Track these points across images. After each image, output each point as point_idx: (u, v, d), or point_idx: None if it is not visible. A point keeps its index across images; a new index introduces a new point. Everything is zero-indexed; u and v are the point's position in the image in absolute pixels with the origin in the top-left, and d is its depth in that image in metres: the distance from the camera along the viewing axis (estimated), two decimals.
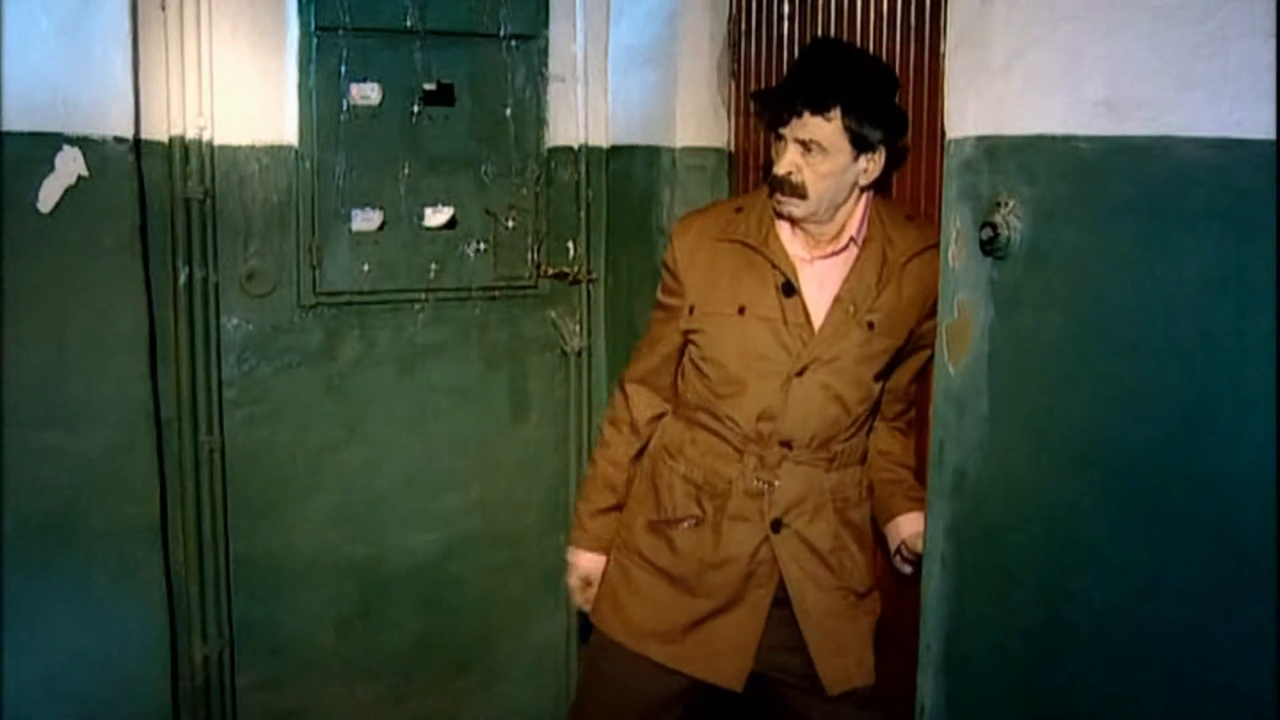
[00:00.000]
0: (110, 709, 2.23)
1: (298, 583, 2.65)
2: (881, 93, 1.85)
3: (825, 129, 1.78)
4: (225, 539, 2.54)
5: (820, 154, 1.79)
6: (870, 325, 1.86)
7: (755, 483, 1.91)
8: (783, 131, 1.81)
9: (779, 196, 1.84)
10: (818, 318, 1.88)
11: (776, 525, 1.91)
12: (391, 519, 2.72)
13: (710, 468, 1.95)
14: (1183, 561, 1.16)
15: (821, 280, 1.89)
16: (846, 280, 1.88)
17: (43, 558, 2.14)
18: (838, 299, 1.87)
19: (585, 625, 2.23)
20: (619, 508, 2.10)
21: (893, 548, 1.98)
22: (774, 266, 1.88)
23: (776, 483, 1.90)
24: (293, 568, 2.64)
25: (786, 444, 1.90)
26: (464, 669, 2.85)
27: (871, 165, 1.84)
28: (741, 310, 1.90)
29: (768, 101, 1.84)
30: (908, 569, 1.97)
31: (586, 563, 2.12)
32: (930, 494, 1.54)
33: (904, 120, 1.89)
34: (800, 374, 1.87)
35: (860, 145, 1.81)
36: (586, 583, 2.13)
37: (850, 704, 1.93)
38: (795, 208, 1.84)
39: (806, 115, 1.77)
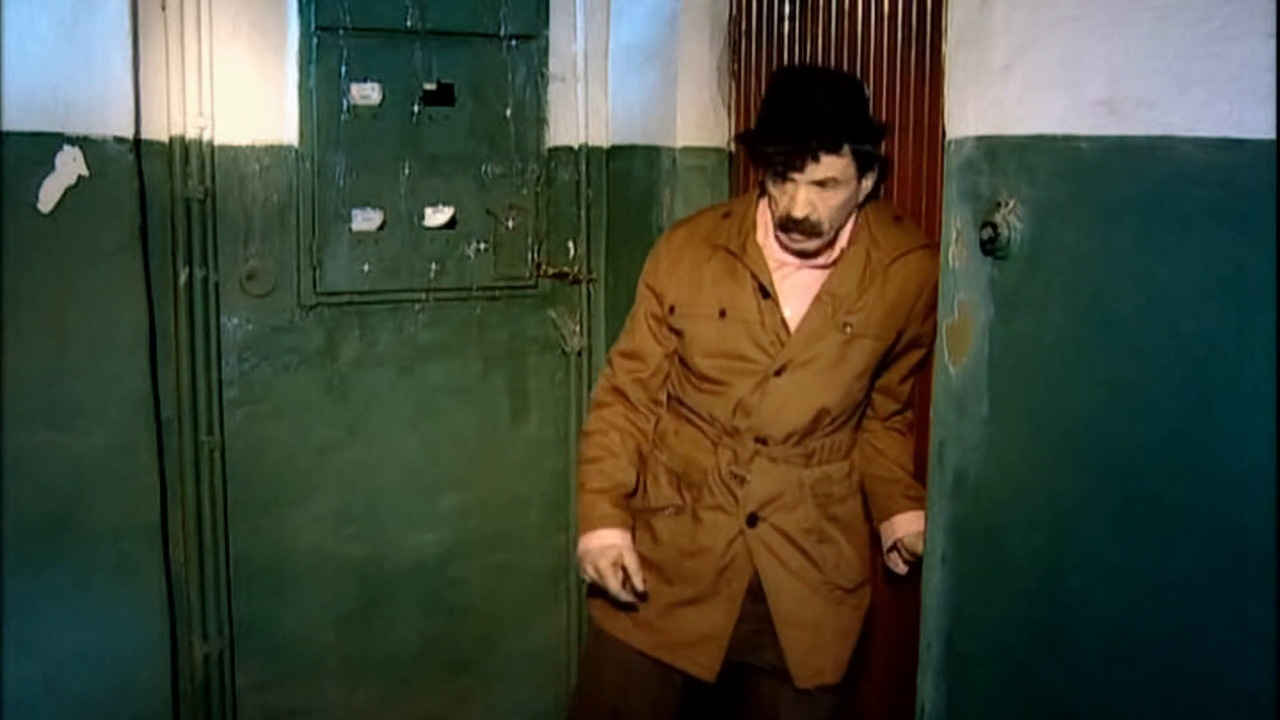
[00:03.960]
0: (110, 708, 2.23)
1: (298, 583, 2.65)
2: (866, 109, 1.87)
3: (839, 164, 1.77)
4: (225, 539, 2.54)
5: (834, 188, 1.79)
6: (846, 327, 1.87)
7: (729, 475, 1.94)
8: (795, 176, 1.78)
9: (793, 235, 1.83)
10: (797, 320, 1.90)
11: (752, 520, 1.93)
12: (391, 519, 2.72)
13: (689, 458, 1.99)
14: (1183, 561, 1.16)
15: (808, 282, 1.91)
16: (827, 282, 1.89)
17: (43, 558, 2.14)
18: (817, 299, 1.89)
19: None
20: (624, 488, 2.04)
21: (886, 546, 1.99)
22: (751, 274, 1.91)
23: (749, 477, 1.93)
24: (293, 567, 2.64)
25: (761, 440, 1.92)
26: (464, 669, 2.85)
27: (869, 181, 1.86)
28: (723, 314, 1.93)
29: (779, 150, 1.76)
30: (903, 569, 1.98)
31: (615, 539, 1.99)
32: (930, 494, 1.54)
33: (884, 129, 1.91)
34: (778, 374, 1.89)
35: (865, 168, 1.83)
36: (616, 565, 1.97)
37: (818, 695, 1.97)
38: (810, 243, 1.85)
39: (823, 157, 1.75)
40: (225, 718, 2.58)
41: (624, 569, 1.98)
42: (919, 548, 1.84)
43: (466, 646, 2.85)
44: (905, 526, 1.94)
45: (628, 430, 2.06)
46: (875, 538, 2.06)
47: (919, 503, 1.90)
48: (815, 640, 1.94)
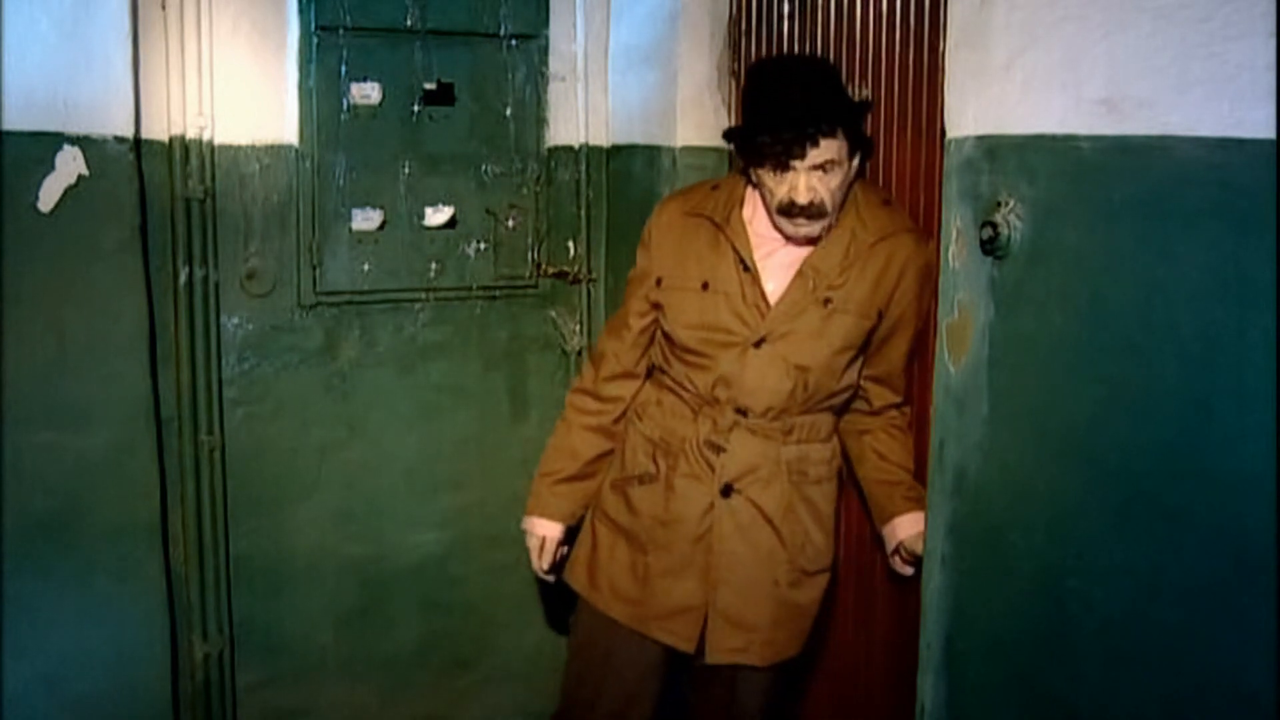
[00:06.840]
0: (110, 708, 2.23)
1: (298, 582, 2.65)
2: (845, 89, 1.91)
3: (834, 146, 1.80)
4: (225, 539, 2.54)
5: (832, 170, 1.82)
6: (827, 301, 1.89)
7: (706, 444, 1.96)
8: (796, 164, 1.79)
9: (797, 221, 1.84)
10: (778, 294, 1.92)
11: (727, 490, 1.95)
12: (391, 519, 2.72)
13: (669, 427, 2.02)
14: (1183, 561, 1.16)
15: (792, 258, 1.94)
16: (810, 257, 1.91)
17: (43, 557, 2.14)
18: (799, 274, 1.91)
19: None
20: (580, 478, 2.13)
21: (889, 548, 1.99)
22: (732, 246, 1.94)
23: (727, 446, 1.94)
24: (293, 567, 2.64)
25: (741, 411, 1.94)
26: (464, 669, 2.85)
27: (856, 160, 1.88)
28: (705, 285, 1.96)
29: (782, 140, 1.77)
30: (908, 570, 1.98)
31: (543, 529, 2.15)
32: (930, 493, 1.54)
33: (869, 104, 1.99)
34: (758, 346, 1.91)
35: (855, 147, 1.85)
36: (542, 547, 2.16)
37: (738, 673, 2.00)
38: (815, 227, 1.87)
39: (821, 140, 1.78)
40: (225, 718, 2.58)
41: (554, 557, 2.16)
42: (920, 548, 1.84)
43: (466, 646, 2.85)
44: (907, 528, 1.94)
45: (582, 408, 2.14)
46: (851, 528, 2.06)
47: (920, 503, 1.90)
48: (743, 620, 1.96)
